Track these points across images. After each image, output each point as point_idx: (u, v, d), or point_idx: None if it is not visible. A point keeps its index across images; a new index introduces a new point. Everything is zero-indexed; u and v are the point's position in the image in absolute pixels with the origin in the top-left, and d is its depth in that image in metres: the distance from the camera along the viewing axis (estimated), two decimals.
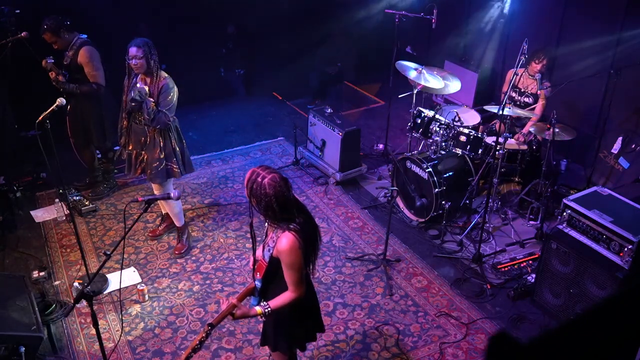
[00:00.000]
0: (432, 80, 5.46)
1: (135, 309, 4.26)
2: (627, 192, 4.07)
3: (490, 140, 5.10)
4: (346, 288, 4.49)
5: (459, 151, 5.20)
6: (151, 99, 4.22)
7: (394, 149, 6.33)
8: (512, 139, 5.20)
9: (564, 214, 3.99)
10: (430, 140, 5.30)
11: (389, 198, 5.41)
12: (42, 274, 4.51)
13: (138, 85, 4.21)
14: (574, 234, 3.95)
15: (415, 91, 5.67)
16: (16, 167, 5.62)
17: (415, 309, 4.29)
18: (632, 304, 1.36)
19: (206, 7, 7.12)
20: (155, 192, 4.71)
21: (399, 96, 6.16)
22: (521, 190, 5.37)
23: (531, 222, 5.18)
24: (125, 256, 4.76)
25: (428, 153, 5.20)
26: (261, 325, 3.22)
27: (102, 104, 5.20)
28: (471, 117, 5.57)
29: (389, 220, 4.62)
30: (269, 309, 2.75)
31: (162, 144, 4.41)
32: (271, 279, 2.83)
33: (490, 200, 4.83)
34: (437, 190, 4.92)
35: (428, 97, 6.57)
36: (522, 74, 5.26)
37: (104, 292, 4.40)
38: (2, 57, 4.73)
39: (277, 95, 7.89)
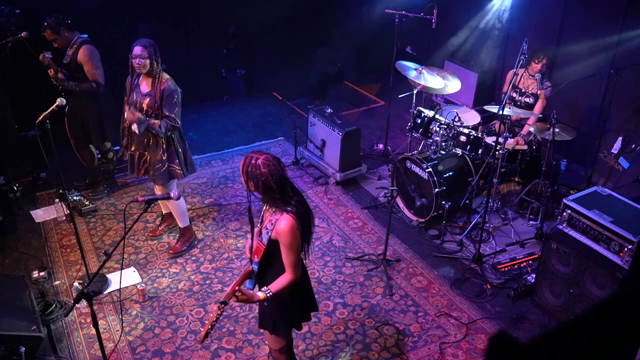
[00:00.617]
0: (432, 80, 5.47)
1: (135, 309, 4.26)
2: (627, 192, 4.07)
3: (490, 140, 5.10)
4: (346, 288, 4.49)
5: (459, 151, 5.20)
6: (152, 120, 4.23)
7: (394, 149, 6.33)
8: (512, 140, 5.20)
9: (564, 214, 3.98)
10: (430, 140, 5.30)
11: (389, 198, 5.41)
12: (42, 274, 4.51)
13: (133, 127, 4.25)
14: (574, 234, 3.94)
15: (415, 91, 5.67)
16: (16, 167, 5.62)
17: (415, 309, 4.29)
18: (632, 304, 1.36)
19: (207, 7, 7.12)
20: (157, 193, 4.71)
21: (399, 96, 6.17)
22: (521, 190, 5.37)
23: (531, 222, 5.18)
24: (125, 256, 4.76)
25: (428, 153, 5.20)
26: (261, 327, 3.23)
27: (101, 104, 5.20)
28: (471, 117, 5.58)
29: (389, 220, 4.62)
30: (271, 293, 2.81)
31: (164, 145, 4.41)
32: (268, 261, 2.91)
33: (490, 200, 4.83)
34: (437, 190, 4.92)
35: (428, 97, 6.57)
36: (522, 74, 5.26)
37: (104, 292, 4.40)
38: (2, 57, 4.73)
39: (277, 95, 7.89)
